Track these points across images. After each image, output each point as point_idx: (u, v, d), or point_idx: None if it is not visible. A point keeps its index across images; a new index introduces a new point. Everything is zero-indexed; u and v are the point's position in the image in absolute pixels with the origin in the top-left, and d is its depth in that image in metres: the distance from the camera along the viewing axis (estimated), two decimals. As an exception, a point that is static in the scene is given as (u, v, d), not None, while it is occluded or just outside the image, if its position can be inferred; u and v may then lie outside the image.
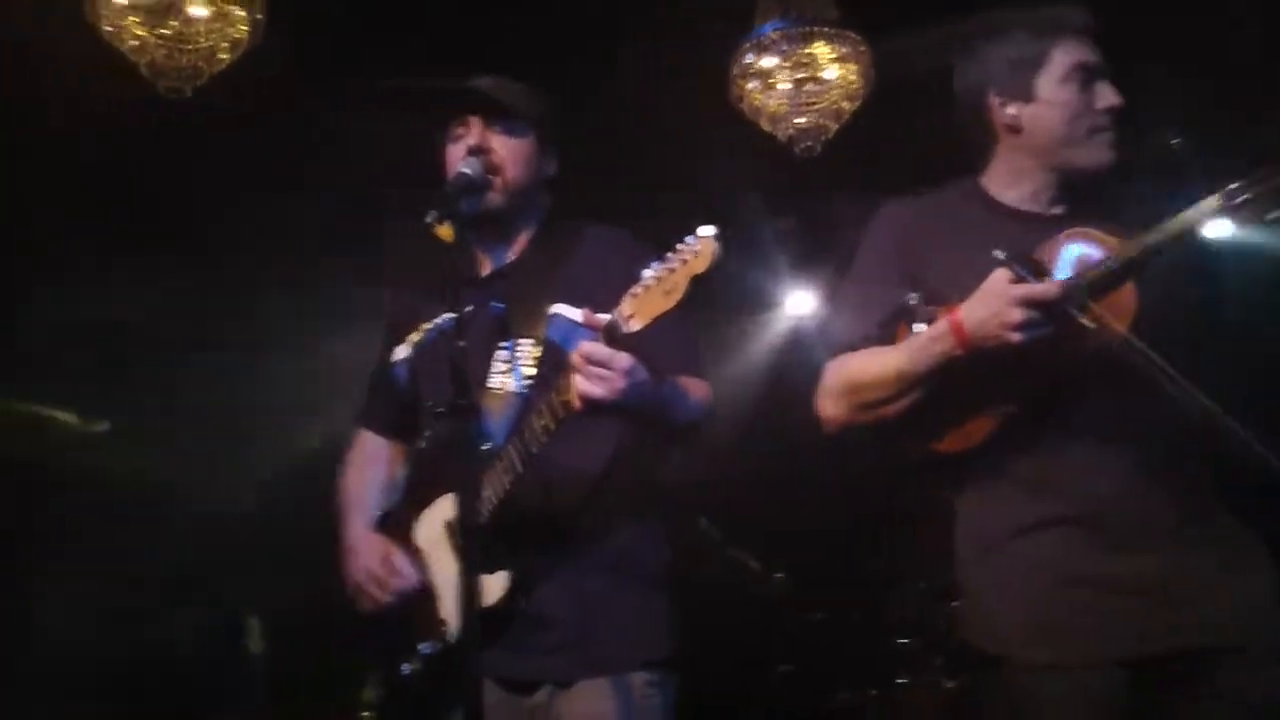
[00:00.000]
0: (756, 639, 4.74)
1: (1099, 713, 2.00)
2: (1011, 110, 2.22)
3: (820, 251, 5.80)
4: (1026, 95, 2.20)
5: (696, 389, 2.31)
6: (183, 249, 4.91)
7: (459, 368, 1.99)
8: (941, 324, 2.06)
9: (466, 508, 1.93)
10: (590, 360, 2.01)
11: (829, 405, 2.23)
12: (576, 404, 2.05)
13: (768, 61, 4.27)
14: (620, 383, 2.02)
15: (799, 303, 6.22)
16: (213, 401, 5.15)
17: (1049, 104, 2.18)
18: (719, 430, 2.43)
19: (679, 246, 1.97)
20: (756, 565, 4.73)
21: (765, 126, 4.40)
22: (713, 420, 2.36)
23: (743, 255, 5.54)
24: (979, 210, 2.24)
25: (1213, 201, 1.98)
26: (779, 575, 4.71)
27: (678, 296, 1.95)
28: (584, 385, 2.02)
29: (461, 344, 2.02)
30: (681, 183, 4.87)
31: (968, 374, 2.06)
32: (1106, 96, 2.18)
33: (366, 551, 2.44)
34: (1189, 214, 2.00)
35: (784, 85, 4.30)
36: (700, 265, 1.94)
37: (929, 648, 4.32)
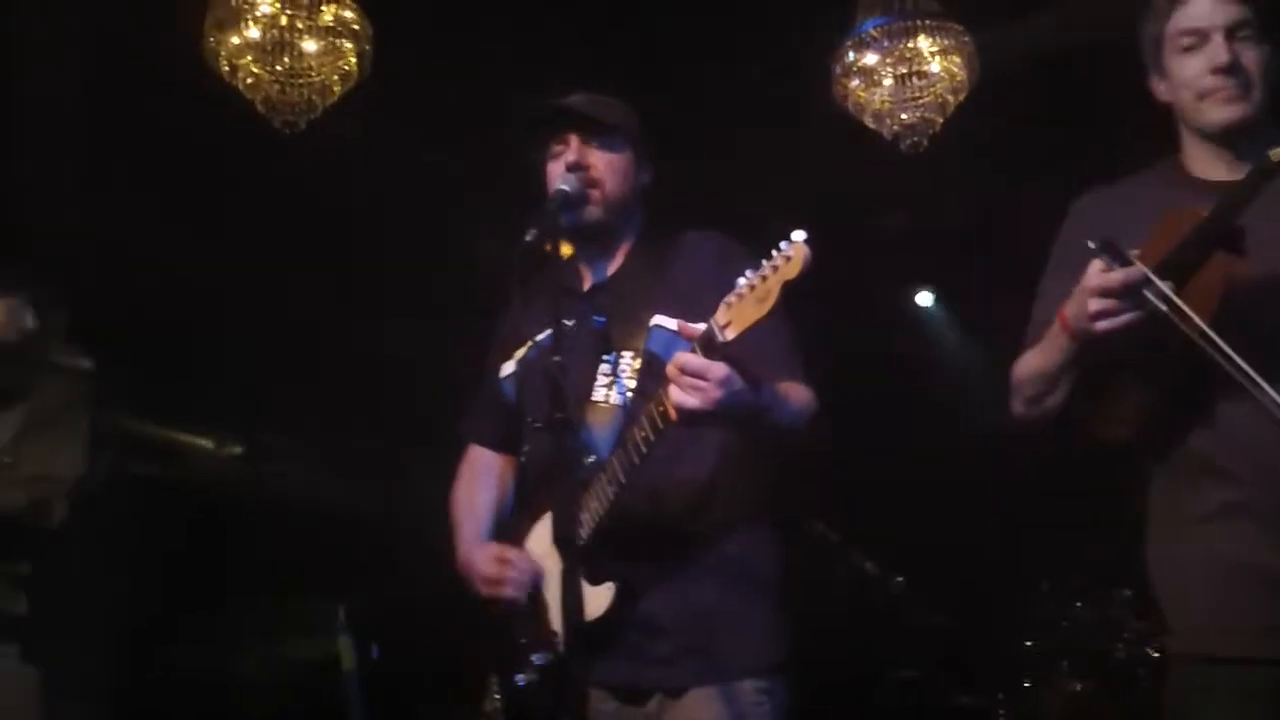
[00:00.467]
0: (876, 643, 4.68)
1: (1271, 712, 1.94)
2: (1162, 88, 2.22)
3: (942, 248, 5.71)
4: (1162, 71, 2.20)
5: (798, 394, 2.29)
6: (318, 272, 5.08)
7: (556, 382, 2.02)
8: (1057, 319, 2.05)
9: (563, 521, 1.95)
10: (685, 371, 2.02)
11: (1011, 403, 2.26)
12: (673, 415, 2.06)
13: (870, 58, 4.22)
14: (716, 393, 2.01)
15: (922, 300, 6.13)
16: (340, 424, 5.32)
17: (1172, 76, 2.17)
18: (836, 431, 2.41)
19: (772, 253, 1.97)
20: (875, 568, 4.67)
21: (870, 124, 4.35)
22: (816, 424, 2.34)
23: (863, 253, 5.49)
24: (1173, 187, 2.19)
25: (1271, 158, 1.90)
26: (898, 578, 4.64)
27: (770, 304, 1.95)
28: (678, 397, 2.03)
29: (558, 358, 2.06)
30: (793, 184, 4.86)
31: (1090, 363, 2.04)
32: (1213, 55, 2.11)
33: (479, 560, 2.48)
34: (1251, 176, 1.93)
35: (887, 81, 4.25)
36: (792, 271, 1.94)
37: (1055, 649, 4.22)
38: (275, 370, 5.28)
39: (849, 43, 4.16)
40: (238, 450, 5.84)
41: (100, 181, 4.49)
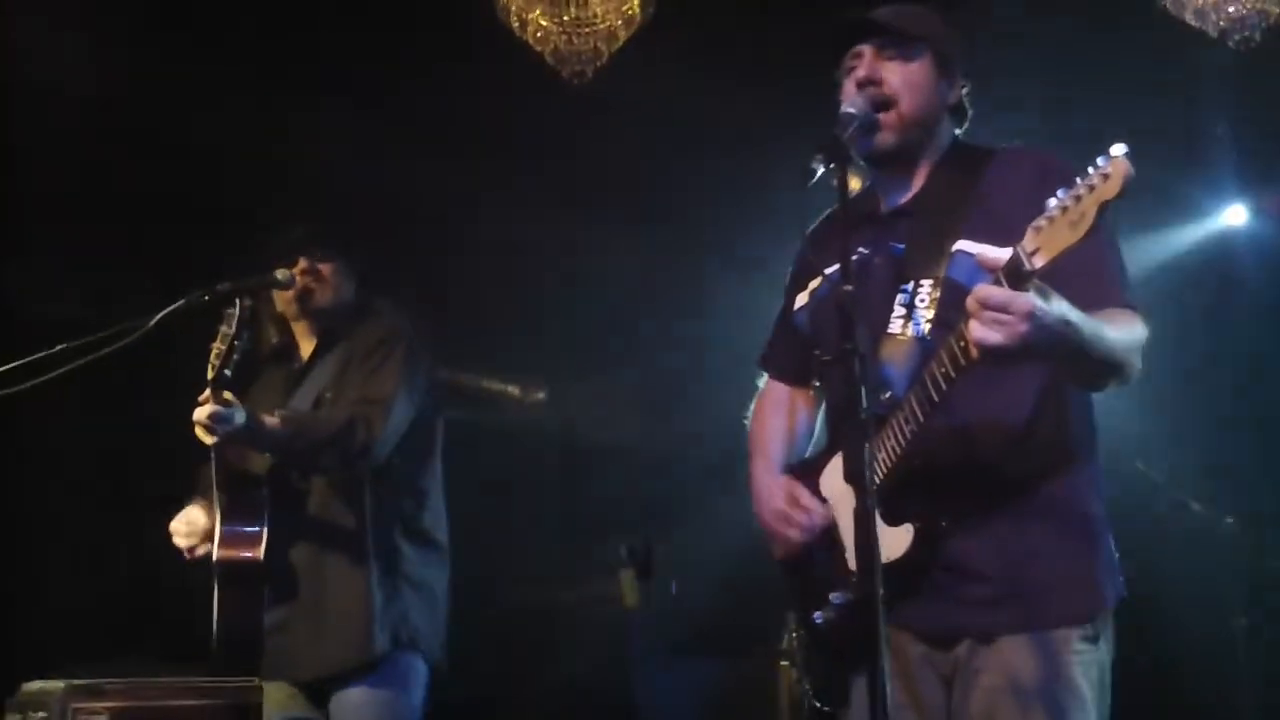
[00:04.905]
0: (1209, 588, 4.34)
1: None
2: None
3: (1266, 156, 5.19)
4: None
5: (1119, 320, 2.09)
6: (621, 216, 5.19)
7: (845, 313, 1.93)
8: None
9: (853, 457, 1.86)
10: (987, 305, 1.86)
11: None
12: (974, 353, 1.92)
13: (1190, -50, 3.87)
14: (1022, 327, 1.85)
15: (1234, 215, 5.59)
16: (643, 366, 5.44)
17: None
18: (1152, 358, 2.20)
19: (1088, 170, 1.79)
20: (1201, 508, 4.32)
21: (1191, 22, 3.98)
22: (1143, 351, 2.13)
23: (1174, 165, 5.06)
24: None
25: None
26: (1229, 518, 4.27)
27: (1086, 226, 1.78)
28: (979, 332, 1.87)
29: (848, 288, 1.95)
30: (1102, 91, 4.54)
31: None
32: None
33: (772, 494, 2.43)
34: None
35: (1210, -27, 3.88)
36: (1111, 190, 1.76)
37: None
38: (578, 318, 5.45)
39: (1164, -66, 3.83)
40: (541, 395, 6.10)
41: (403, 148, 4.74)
